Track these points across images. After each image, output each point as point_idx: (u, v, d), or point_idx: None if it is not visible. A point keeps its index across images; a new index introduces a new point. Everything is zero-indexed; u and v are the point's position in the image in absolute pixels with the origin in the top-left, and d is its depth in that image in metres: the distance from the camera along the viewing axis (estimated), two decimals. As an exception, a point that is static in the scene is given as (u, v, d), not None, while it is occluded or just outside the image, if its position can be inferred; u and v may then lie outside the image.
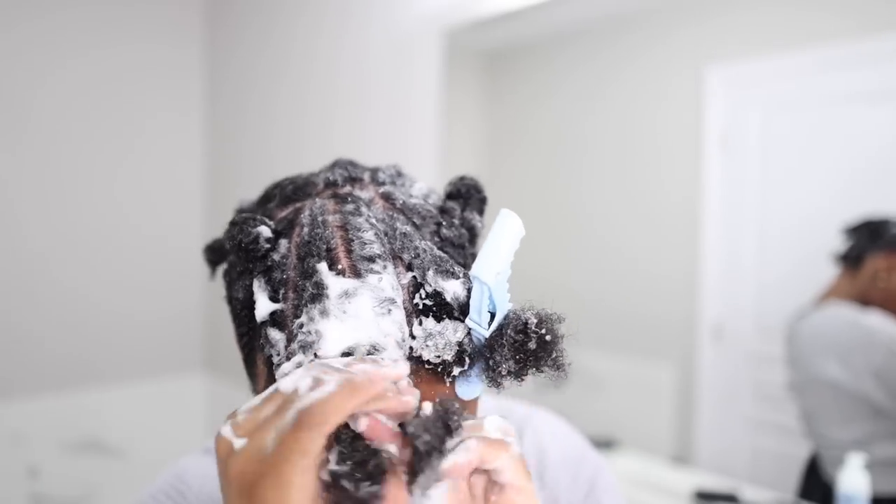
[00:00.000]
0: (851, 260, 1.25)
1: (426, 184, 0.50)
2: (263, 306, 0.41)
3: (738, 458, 1.40)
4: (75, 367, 2.20)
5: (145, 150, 2.34)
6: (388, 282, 0.40)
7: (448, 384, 0.40)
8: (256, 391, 0.46)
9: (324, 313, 0.39)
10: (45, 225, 2.14)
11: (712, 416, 1.45)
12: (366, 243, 0.41)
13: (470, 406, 0.43)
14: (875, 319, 1.21)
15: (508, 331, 0.38)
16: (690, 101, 1.46)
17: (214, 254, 0.55)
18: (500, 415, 0.63)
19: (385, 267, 0.40)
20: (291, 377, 0.35)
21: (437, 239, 0.45)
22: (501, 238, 0.39)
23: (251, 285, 0.43)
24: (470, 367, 0.40)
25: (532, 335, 0.38)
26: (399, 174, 0.50)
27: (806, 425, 1.31)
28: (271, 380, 0.41)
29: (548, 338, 0.38)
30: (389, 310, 0.39)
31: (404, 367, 0.37)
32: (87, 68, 2.19)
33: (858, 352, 1.22)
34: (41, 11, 2.09)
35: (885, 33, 1.22)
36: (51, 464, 2.12)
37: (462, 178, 0.50)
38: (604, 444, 1.52)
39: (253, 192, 0.55)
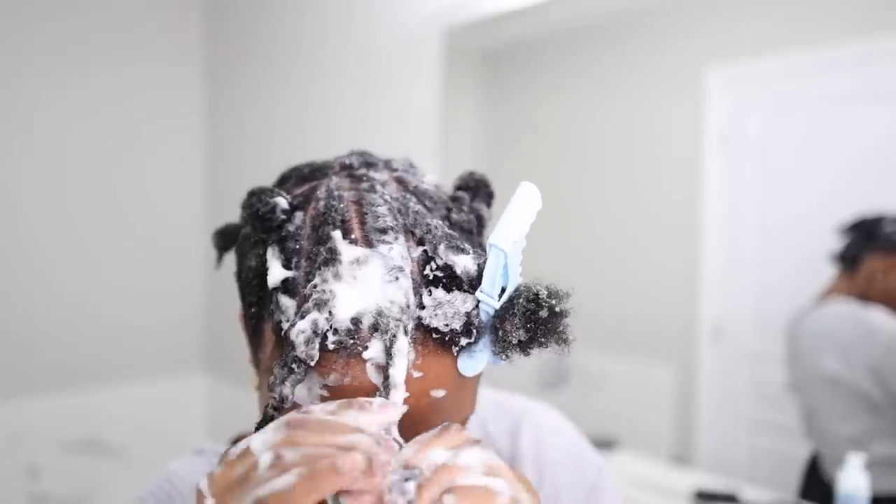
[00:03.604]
0: (848, 260, 1.25)
1: (435, 176, 0.51)
2: (276, 273, 0.42)
3: (738, 459, 1.40)
4: (75, 367, 2.20)
5: (146, 153, 2.35)
6: (397, 251, 0.41)
7: (454, 355, 0.41)
8: (261, 362, 0.46)
9: (337, 276, 0.40)
10: (46, 227, 2.14)
11: (712, 416, 1.45)
12: (379, 216, 0.42)
13: (469, 388, 0.43)
14: (876, 316, 1.22)
15: (520, 300, 0.39)
16: (691, 102, 1.46)
17: (224, 239, 0.55)
18: (496, 409, 0.63)
19: (396, 238, 0.42)
20: (262, 436, 0.35)
21: (446, 222, 0.46)
22: (520, 208, 0.40)
23: (264, 254, 0.44)
24: (476, 339, 0.40)
25: (544, 304, 0.39)
26: (412, 165, 0.51)
27: (806, 424, 1.31)
28: (278, 346, 0.42)
29: (557, 309, 0.39)
30: (397, 277, 0.40)
31: (392, 422, 0.36)
32: (88, 75, 2.20)
33: (857, 346, 1.22)
34: (43, 24, 2.09)
35: (884, 34, 1.22)
36: (51, 464, 2.12)
37: (471, 173, 0.51)
38: (604, 444, 1.52)
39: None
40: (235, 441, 0.63)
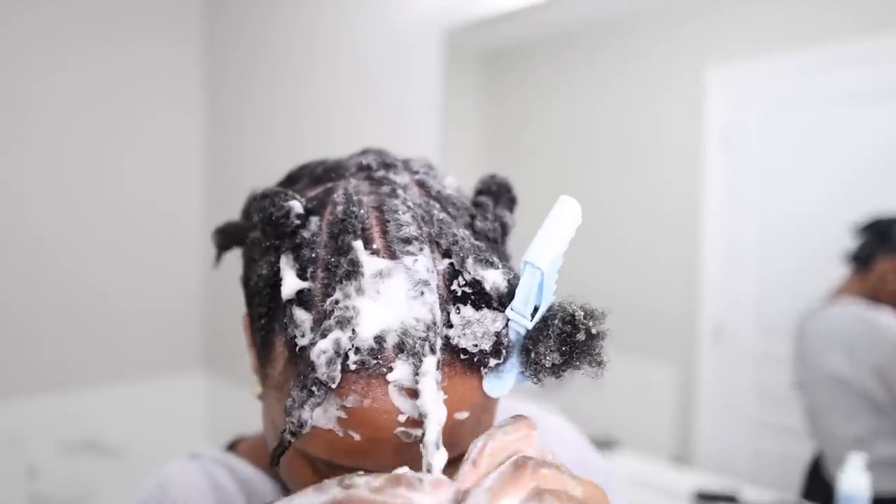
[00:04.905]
0: (861, 260, 1.25)
1: (455, 178, 0.49)
2: (291, 283, 0.39)
3: (739, 459, 1.40)
4: (75, 367, 2.20)
5: (144, 147, 2.34)
6: (422, 263, 0.38)
7: (484, 375, 0.38)
8: (270, 377, 0.43)
9: (359, 291, 0.37)
10: (44, 224, 2.13)
11: (712, 416, 1.45)
12: (402, 225, 0.40)
13: (492, 408, 0.42)
14: (884, 317, 1.22)
15: (556, 322, 0.37)
16: (691, 101, 1.46)
17: (226, 237, 0.52)
18: (502, 412, 0.62)
19: (421, 249, 0.39)
20: None
21: (470, 231, 0.44)
22: (559, 224, 0.37)
23: (277, 262, 0.41)
24: (505, 360, 0.38)
25: (581, 327, 0.36)
26: (431, 166, 0.48)
27: (810, 423, 1.31)
28: (291, 362, 0.40)
29: (594, 331, 0.37)
30: (422, 292, 0.37)
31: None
32: (86, 65, 2.19)
33: (863, 346, 1.22)
34: (40, 8, 2.09)
35: (885, 33, 1.22)
36: (50, 464, 2.12)
37: (493, 177, 0.48)
38: (604, 444, 1.52)
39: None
40: (231, 446, 0.61)
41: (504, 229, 0.47)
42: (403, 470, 0.33)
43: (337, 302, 0.37)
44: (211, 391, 2.47)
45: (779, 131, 1.36)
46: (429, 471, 0.36)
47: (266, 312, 0.43)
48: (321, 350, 0.36)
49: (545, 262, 0.36)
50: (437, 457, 0.36)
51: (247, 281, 0.46)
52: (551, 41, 1.71)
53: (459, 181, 0.49)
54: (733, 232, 1.42)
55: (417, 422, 0.37)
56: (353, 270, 0.38)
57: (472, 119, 1.84)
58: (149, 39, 2.33)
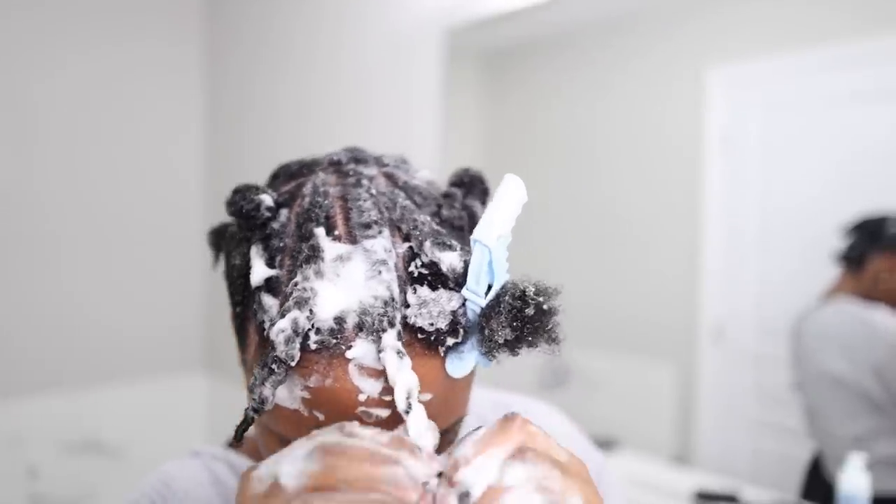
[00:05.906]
0: (853, 260, 1.25)
1: (430, 172, 0.50)
2: (259, 271, 0.42)
3: (739, 459, 1.40)
4: (75, 367, 2.20)
5: (144, 147, 2.34)
6: (380, 244, 0.40)
7: (441, 355, 0.39)
8: (247, 362, 0.45)
9: (319, 274, 0.39)
10: (44, 224, 2.13)
11: (713, 416, 1.45)
12: (363, 211, 0.41)
13: (459, 390, 0.42)
14: (880, 316, 1.22)
15: (506, 297, 0.38)
16: (691, 101, 1.46)
17: (219, 237, 0.54)
18: (496, 407, 0.63)
19: (380, 232, 0.41)
20: (292, 465, 0.33)
21: (436, 219, 0.45)
22: (504, 203, 0.39)
23: (248, 252, 0.43)
24: (464, 340, 0.39)
25: (530, 302, 0.37)
26: (404, 161, 0.50)
27: (809, 423, 1.31)
28: (261, 346, 0.41)
29: (545, 306, 0.37)
30: (380, 271, 0.39)
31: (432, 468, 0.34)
32: (86, 64, 2.19)
33: (861, 346, 1.22)
34: (40, 7, 2.09)
35: (885, 33, 1.22)
36: (50, 464, 2.12)
37: (466, 169, 0.50)
38: (604, 444, 1.52)
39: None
40: (232, 444, 0.62)
41: (473, 219, 0.48)
42: (404, 435, 0.35)
43: (297, 284, 0.39)
44: (211, 391, 2.47)
45: (779, 131, 1.36)
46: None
47: (241, 301, 0.45)
48: (280, 329, 0.37)
49: (492, 238, 0.38)
50: (426, 438, 0.36)
51: (227, 273, 0.48)
52: (552, 41, 1.71)
53: (437, 177, 0.50)
54: (734, 232, 1.42)
55: (380, 401, 0.38)
56: (314, 255, 0.40)
57: (472, 119, 1.84)
58: (149, 39, 2.33)
